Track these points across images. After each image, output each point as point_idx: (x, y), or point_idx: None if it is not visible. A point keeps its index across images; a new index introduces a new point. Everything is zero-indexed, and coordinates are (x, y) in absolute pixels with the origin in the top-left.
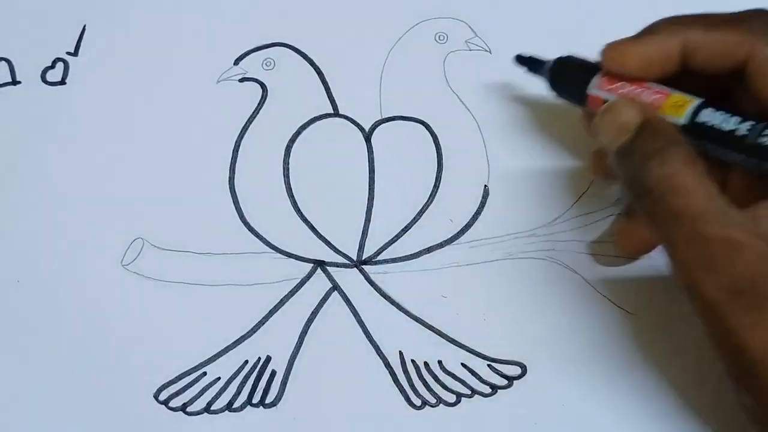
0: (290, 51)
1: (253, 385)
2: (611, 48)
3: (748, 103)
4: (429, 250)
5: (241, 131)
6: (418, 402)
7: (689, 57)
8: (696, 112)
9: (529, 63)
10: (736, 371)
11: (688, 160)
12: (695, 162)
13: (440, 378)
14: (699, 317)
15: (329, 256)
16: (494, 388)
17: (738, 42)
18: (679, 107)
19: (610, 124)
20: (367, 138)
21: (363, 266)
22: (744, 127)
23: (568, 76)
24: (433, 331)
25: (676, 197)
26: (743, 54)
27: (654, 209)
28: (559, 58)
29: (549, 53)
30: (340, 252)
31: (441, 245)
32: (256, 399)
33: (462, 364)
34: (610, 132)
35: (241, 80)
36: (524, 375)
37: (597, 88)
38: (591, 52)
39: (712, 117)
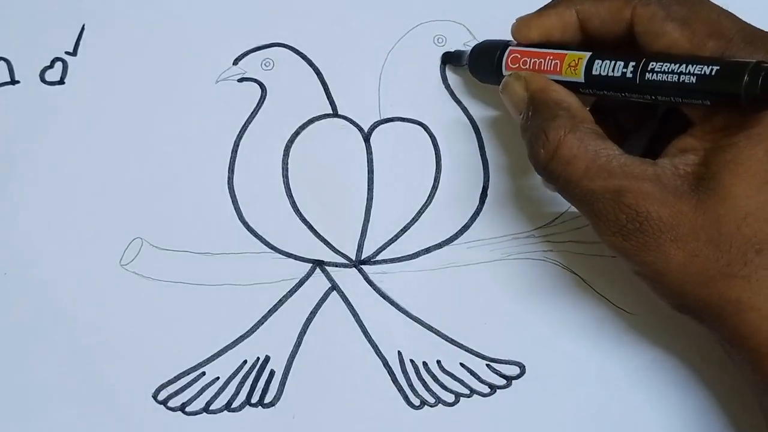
0: (289, 51)
1: (251, 384)
2: (517, 22)
3: None
4: (428, 250)
5: (240, 131)
6: (416, 402)
7: (585, 25)
8: (589, 66)
9: (450, 58)
10: (671, 301)
11: (569, 126)
12: (576, 127)
13: (439, 378)
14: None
15: (328, 256)
16: (493, 387)
17: (621, 6)
18: (574, 67)
19: (507, 103)
20: (366, 138)
21: (362, 266)
22: (629, 69)
23: (484, 60)
24: (432, 331)
25: (561, 166)
26: (628, 16)
27: (553, 181)
28: (475, 46)
29: None
30: (339, 252)
31: (440, 245)
32: (254, 399)
33: (461, 363)
34: (510, 110)
35: (240, 80)
36: (523, 375)
37: (505, 69)
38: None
39: (602, 67)
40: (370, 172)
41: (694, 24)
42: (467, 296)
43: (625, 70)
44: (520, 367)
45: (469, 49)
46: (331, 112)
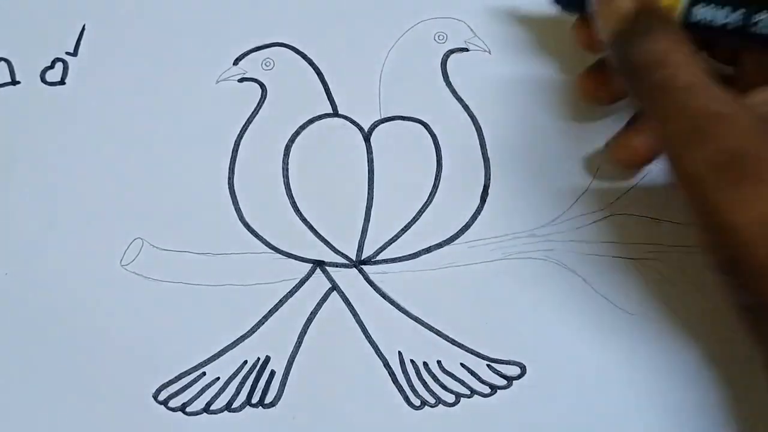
0: (289, 51)
1: (252, 385)
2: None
3: None
4: (428, 250)
5: (240, 131)
6: (417, 402)
7: None
8: (688, 9)
9: None
10: (722, 255)
11: (678, 38)
12: (685, 41)
13: (439, 378)
14: (684, 196)
15: (328, 256)
16: (493, 388)
17: None
18: (672, 9)
19: (608, 10)
20: (367, 138)
21: (362, 266)
22: (735, 19)
23: None
24: (432, 331)
25: (664, 69)
26: None
27: (642, 85)
28: None
29: (549, 53)
30: (340, 252)
31: (440, 245)
32: (255, 399)
33: (461, 364)
34: (609, 19)
35: (241, 80)
36: (523, 375)
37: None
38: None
39: (703, 14)
40: (371, 171)
41: None
42: (468, 296)
43: (729, 19)
44: (520, 368)
45: None
46: (332, 111)
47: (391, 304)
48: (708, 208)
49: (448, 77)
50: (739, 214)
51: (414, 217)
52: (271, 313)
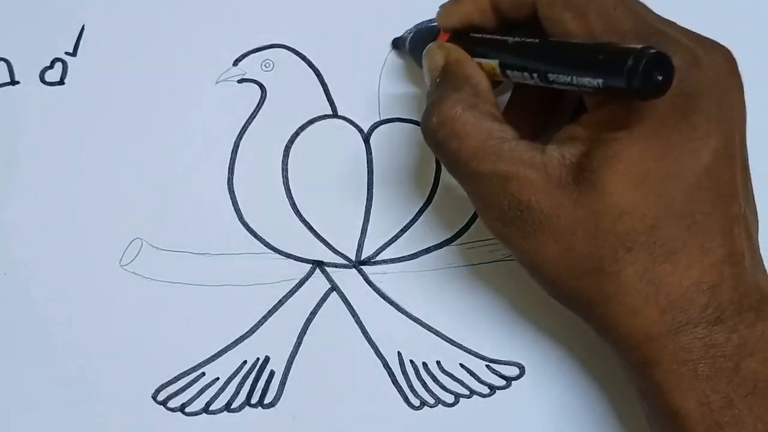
0: (289, 52)
1: (251, 385)
2: (441, 9)
3: None
4: (427, 250)
5: (240, 132)
6: (416, 402)
7: (498, 8)
8: (503, 72)
9: (396, 44)
10: (548, 291)
11: (468, 102)
12: (476, 105)
13: (439, 378)
14: None
15: (328, 256)
16: (492, 388)
17: None
18: (492, 69)
19: (425, 70)
20: (366, 139)
21: (362, 266)
22: (534, 79)
23: (420, 44)
24: (432, 331)
25: (452, 142)
26: (531, 0)
27: (439, 153)
28: (414, 31)
29: None
30: (339, 252)
31: (439, 246)
32: (254, 399)
33: (460, 364)
34: (426, 79)
35: (240, 81)
36: (522, 375)
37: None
38: None
39: (514, 75)
40: (370, 172)
41: (589, 16)
42: (467, 297)
43: (531, 79)
44: (519, 368)
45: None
46: (331, 112)
47: (391, 305)
48: (517, 256)
49: None
50: (542, 262)
51: (413, 218)
52: (270, 313)
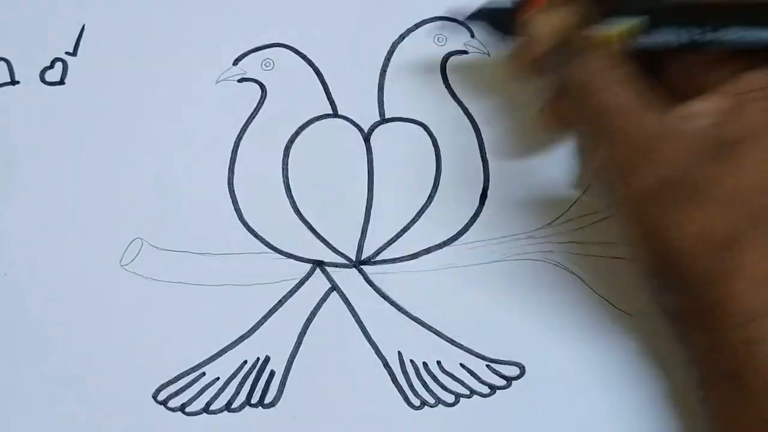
0: (289, 51)
1: (251, 385)
2: None
3: None
4: (428, 250)
5: (240, 131)
6: (416, 402)
7: None
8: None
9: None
10: (659, 267)
11: (611, 60)
12: (618, 63)
13: (439, 378)
14: (620, 216)
15: (328, 256)
16: (493, 388)
17: None
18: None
19: (543, 24)
20: (366, 139)
21: (362, 266)
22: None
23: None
24: (432, 331)
25: (601, 94)
26: None
27: (581, 105)
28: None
29: None
30: (339, 252)
31: (440, 246)
32: (254, 399)
33: (461, 364)
34: (543, 33)
35: (240, 80)
36: (523, 375)
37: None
38: None
39: (654, 38)
40: (370, 172)
41: None
42: (467, 297)
43: (679, 39)
44: (520, 368)
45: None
46: (331, 112)
47: (391, 305)
48: (648, 228)
49: (447, 79)
50: (679, 231)
51: (414, 218)
52: (270, 313)
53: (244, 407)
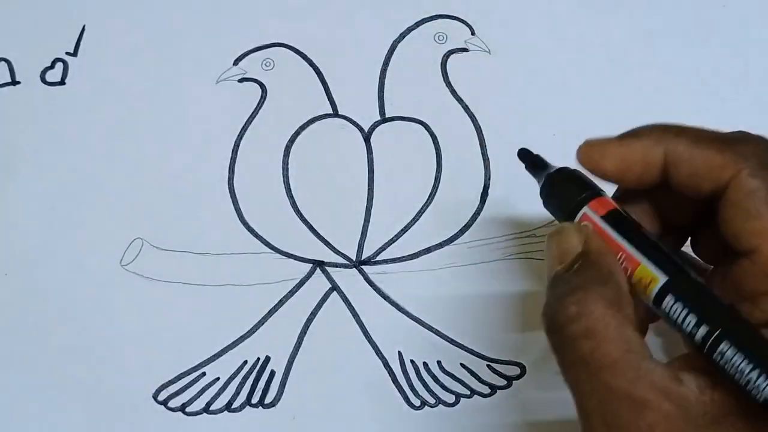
0: (289, 51)
1: (252, 385)
2: (590, 146)
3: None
4: (428, 250)
5: (240, 131)
6: (417, 402)
7: (671, 169)
8: (659, 296)
9: (529, 162)
10: None
11: (613, 303)
12: (620, 308)
13: (439, 378)
14: None
15: (328, 256)
16: (493, 388)
17: (723, 164)
18: (646, 284)
19: (552, 247)
20: (367, 138)
21: (362, 266)
22: (699, 333)
23: (558, 196)
24: (432, 331)
25: (586, 341)
26: (726, 178)
27: (563, 348)
28: (555, 172)
29: (549, 54)
30: (340, 252)
31: (440, 245)
32: (255, 399)
33: (461, 364)
34: (551, 255)
35: (241, 80)
36: (523, 375)
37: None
38: (590, 51)
39: (672, 306)
40: (371, 171)
41: None
42: (467, 296)
43: (692, 328)
44: (520, 368)
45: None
46: (332, 111)
47: (391, 304)
48: None
49: (448, 77)
50: None
51: (414, 218)
52: (271, 313)
53: (244, 407)
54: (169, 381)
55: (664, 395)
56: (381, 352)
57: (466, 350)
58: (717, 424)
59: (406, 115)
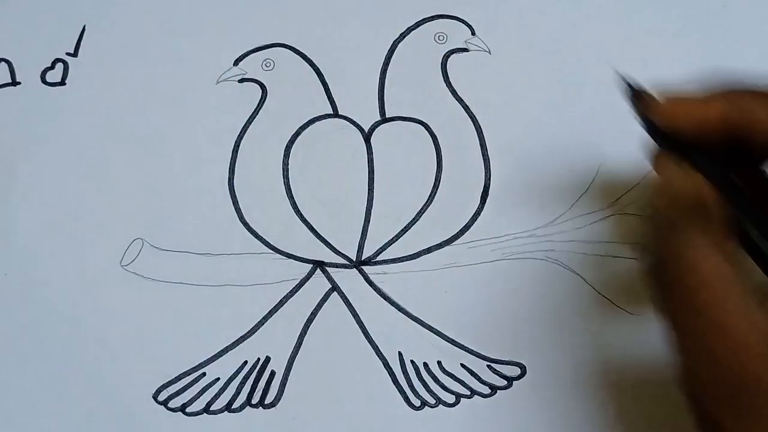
0: (289, 51)
1: (252, 385)
2: (670, 102)
3: None
4: (428, 250)
5: (240, 132)
6: (417, 402)
7: (741, 130)
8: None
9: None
10: None
11: (716, 238)
12: (724, 242)
13: (439, 378)
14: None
15: (329, 256)
16: (493, 388)
17: None
18: None
19: (662, 190)
20: (367, 138)
21: (362, 267)
22: None
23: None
24: (433, 331)
25: (688, 276)
26: None
27: (663, 282)
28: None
29: (549, 54)
30: (340, 252)
31: (440, 245)
32: (255, 399)
33: (461, 364)
34: (660, 198)
35: (241, 81)
36: (523, 375)
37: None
38: (590, 51)
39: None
40: (371, 172)
41: None
42: (468, 296)
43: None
44: (520, 368)
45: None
46: (332, 112)
47: (391, 305)
48: None
49: (448, 77)
50: None
51: (414, 218)
52: (271, 313)
53: (244, 407)
54: (169, 381)
55: (763, 336)
56: (381, 352)
57: (466, 350)
58: None
59: (406, 115)
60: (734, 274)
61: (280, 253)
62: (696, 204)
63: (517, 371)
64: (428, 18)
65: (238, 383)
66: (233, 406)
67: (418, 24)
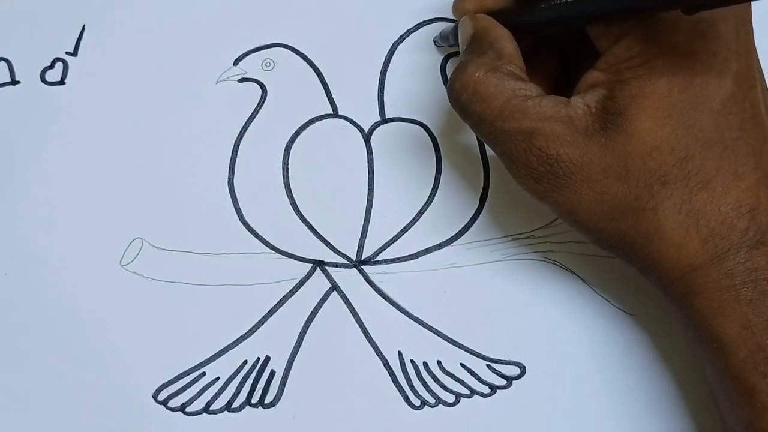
0: (290, 51)
1: (252, 385)
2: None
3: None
4: (428, 250)
5: (240, 132)
6: (417, 402)
7: None
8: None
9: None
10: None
11: (490, 65)
12: (498, 67)
13: (439, 378)
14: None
15: (328, 256)
16: (493, 388)
17: None
18: None
19: (460, 41)
20: (367, 139)
21: (362, 266)
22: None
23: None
24: (432, 331)
25: (476, 104)
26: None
27: (464, 116)
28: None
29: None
30: (340, 252)
31: (440, 246)
32: (255, 399)
33: (461, 364)
34: (460, 46)
35: (241, 81)
36: (523, 375)
37: None
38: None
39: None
40: (371, 172)
41: None
42: (467, 297)
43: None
44: (520, 368)
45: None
46: (332, 112)
47: (391, 305)
48: (552, 206)
49: (447, 78)
50: (579, 205)
51: (414, 218)
52: (271, 313)
53: (244, 407)
54: (169, 381)
55: (550, 120)
56: (381, 352)
57: (466, 350)
58: (604, 128)
59: (406, 116)
60: (506, 84)
61: (280, 253)
62: (473, 39)
63: (516, 371)
64: (428, 21)
65: (237, 383)
66: (233, 406)
67: (417, 26)
